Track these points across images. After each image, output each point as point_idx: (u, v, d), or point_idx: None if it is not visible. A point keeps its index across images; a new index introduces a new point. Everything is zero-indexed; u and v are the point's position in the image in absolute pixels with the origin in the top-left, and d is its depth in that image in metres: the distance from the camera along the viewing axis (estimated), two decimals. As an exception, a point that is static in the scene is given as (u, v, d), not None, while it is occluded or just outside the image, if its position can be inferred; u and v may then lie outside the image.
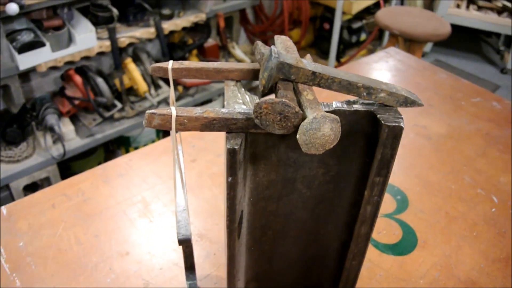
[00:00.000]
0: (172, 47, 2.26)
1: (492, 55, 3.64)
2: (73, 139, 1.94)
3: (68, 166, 2.08)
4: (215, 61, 2.39)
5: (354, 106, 0.51)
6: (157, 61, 2.22)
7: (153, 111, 0.41)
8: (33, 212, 0.84)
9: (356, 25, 2.98)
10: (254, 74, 0.55)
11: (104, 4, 1.95)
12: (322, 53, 3.10)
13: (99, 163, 2.32)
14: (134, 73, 2.10)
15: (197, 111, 0.43)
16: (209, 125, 0.43)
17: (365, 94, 0.50)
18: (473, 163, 1.05)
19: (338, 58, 2.99)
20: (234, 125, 0.44)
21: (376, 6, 2.99)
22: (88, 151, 2.05)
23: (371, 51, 3.21)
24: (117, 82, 2.07)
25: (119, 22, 2.06)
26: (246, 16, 2.80)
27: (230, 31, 2.60)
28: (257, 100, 0.42)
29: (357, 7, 2.77)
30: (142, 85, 2.12)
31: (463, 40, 3.75)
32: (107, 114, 2.03)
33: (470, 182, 0.99)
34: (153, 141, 2.38)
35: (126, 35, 2.02)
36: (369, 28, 3.14)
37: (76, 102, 1.95)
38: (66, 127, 1.91)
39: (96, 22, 1.94)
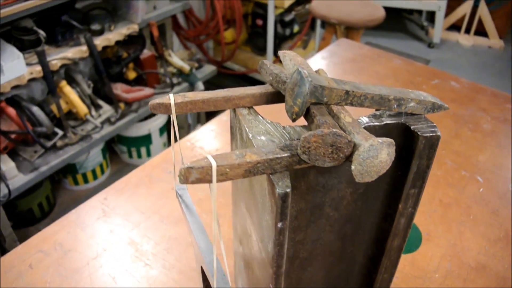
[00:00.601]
0: (107, 63, 2.14)
1: (417, 32, 3.79)
2: (15, 176, 1.77)
3: (15, 205, 1.91)
4: (154, 73, 2.29)
5: (383, 119, 0.48)
6: (94, 80, 2.09)
7: (189, 165, 0.35)
8: (9, 277, 0.74)
9: (288, 17, 2.97)
10: (267, 98, 0.50)
11: (28, 26, 1.79)
12: (257, 50, 3.08)
13: (47, 197, 2.17)
14: (71, 96, 1.96)
15: (236, 155, 0.37)
16: (253, 169, 0.38)
17: (395, 106, 0.47)
18: (450, 146, 1.06)
19: (275, 53, 2.98)
20: (278, 164, 0.39)
21: (305, -4, 3.01)
22: (33, 186, 1.89)
23: (305, 42, 3.23)
24: (54, 108, 1.92)
25: (47, 44, 1.91)
26: (178, 22, 2.70)
27: (164, 39, 2.50)
28: (304, 134, 0.37)
29: (289, 0, 2.76)
30: (81, 108, 1.98)
31: (388, 20, 3.87)
32: (49, 144, 1.88)
33: (452, 165, 1.00)
34: (100, 165, 2.24)
35: (57, 57, 1.87)
36: (300, 19, 3.15)
37: (13, 136, 1.78)
38: (6, 165, 1.75)
39: (22, 47, 1.78)
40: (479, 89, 1.27)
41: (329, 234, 0.57)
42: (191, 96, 0.48)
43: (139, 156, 2.43)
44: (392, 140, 0.39)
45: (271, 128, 0.46)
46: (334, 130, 0.37)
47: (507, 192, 0.94)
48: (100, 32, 2.03)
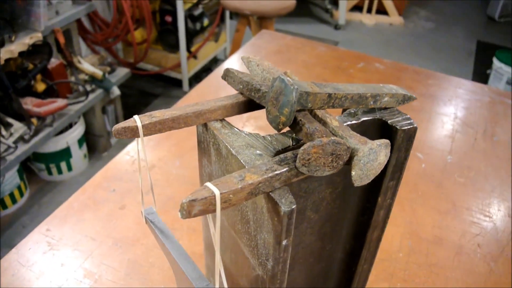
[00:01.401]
0: (13, 76, 1.96)
1: (323, 15, 3.91)
2: None
3: None
4: (65, 82, 2.14)
5: (359, 117, 0.47)
6: (-1, 97, 1.91)
7: (191, 198, 0.32)
8: None
9: (197, 11, 2.92)
10: (239, 107, 0.48)
11: None
12: (169, 47, 2.99)
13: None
14: (-25, 118, 1.78)
15: (236, 178, 0.35)
16: (255, 191, 0.35)
17: (372, 102, 0.47)
18: (386, 127, 1.09)
19: (188, 48, 2.92)
20: (277, 181, 0.37)
21: (212, -11, 2.97)
22: None
23: (217, 35, 3.20)
24: (-43, 133, 1.73)
25: None
26: (84, 26, 2.55)
27: (71, 45, 2.34)
28: (303, 147, 0.35)
29: (197, -6, 2.71)
30: (-11, 129, 1.81)
31: (293, 6, 3.95)
32: (-44, 174, 1.69)
33: (393, 145, 1.04)
34: (18, 187, 2.07)
35: (-47, 76, 1.68)
36: (207, 11, 3.11)
37: None
38: None
39: None
40: (402, 68, 1.33)
41: (310, 237, 0.56)
42: (158, 115, 0.44)
43: (60, 172, 2.27)
44: (388, 141, 0.38)
45: (252, 140, 0.44)
46: (332, 138, 0.36)
47: (446, 164, 0.99)
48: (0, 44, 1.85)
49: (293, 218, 0.37)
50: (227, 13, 3.18)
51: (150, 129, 0.44)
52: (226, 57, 3.44)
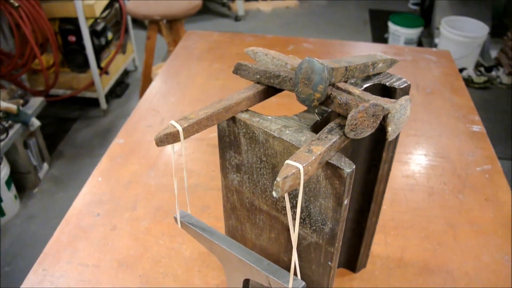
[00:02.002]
0: None
1: (220, 9, 3.96)
2: None
3: None
4: None
5: (362, 84, 0.53)
6: None
7: (283, 176, 0.36)
8: None
9: (99, 26, 2.83)
10: (260, 96, 0.51)
11: None
12: (77, 67, 2.88)
13: None
14: None
15: (306, 152, 0.39)
16: (322, 160, 0.40)
17: (372, 70, 0.53)
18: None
19: (98, 65, 2.83)
20: (333, 149, 0.41)
21: None
22: None
23: (123, 47, 3.13)
24: None
25: None
26: (-18, 61, 2.37)
27: (-26, 83, 2.18)
28: (351, 114, 0.40)
29: (99, 7, 2.63)
30: None
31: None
32: None
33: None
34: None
35: None
36: (108, 23, 3.03)
37: None
38: None
39: None
40: (327, 43, 1.43)
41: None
42: (193, 116, 0.47)
43: (-8, 219, 2.12)
44: (409, 96, 0.45)
45: (284, 121, 0.48)
46: (371, 102, 0.41)
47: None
48: None
49: (352, 178, 0.42)
50: (130, 23, 3.12)
51: (188, 131, 0.47)
52: (136, 68, 3.38)
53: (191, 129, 0.47)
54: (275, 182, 0.35)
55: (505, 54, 3.00)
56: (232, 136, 0.52)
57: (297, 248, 0.55)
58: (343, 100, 0.44)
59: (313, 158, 0.38)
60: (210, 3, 4.06)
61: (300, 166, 0.37)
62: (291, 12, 3.96)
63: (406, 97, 0.44)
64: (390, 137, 0.44)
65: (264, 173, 0.51)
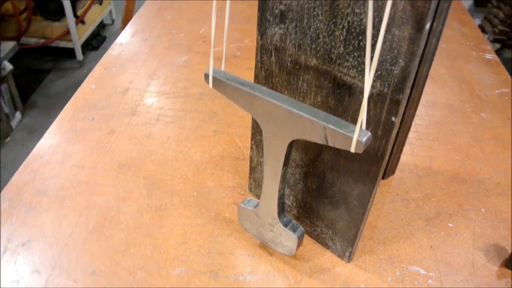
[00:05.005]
0: None
1: None
2: None
3: None
4: None
5: None
6: None
7: None
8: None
9: (76, -28, 2.67)
10: None
11: None
12: (52, 15, 2.71)
13: None
14: None
15: None
16: None
17: None
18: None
19: (75, 14, 2.67)
20: None
21: None
22: None
23: (101, -3, 2.96)
24: None
25: None
26: None
27: None
28: None
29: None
30: None
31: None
32: None
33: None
34: None
35: None
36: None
37: None
38: None
39: None
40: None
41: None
42: None
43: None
44: None
45: None
46: None
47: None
48: None
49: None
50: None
51: None
52: (112, 21, 3.22)
53: None
54: None
55: (489, 22, 3.00)
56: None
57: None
58: None
59: None
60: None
61: None
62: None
63: None
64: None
65: (319, 12, 0.43)
